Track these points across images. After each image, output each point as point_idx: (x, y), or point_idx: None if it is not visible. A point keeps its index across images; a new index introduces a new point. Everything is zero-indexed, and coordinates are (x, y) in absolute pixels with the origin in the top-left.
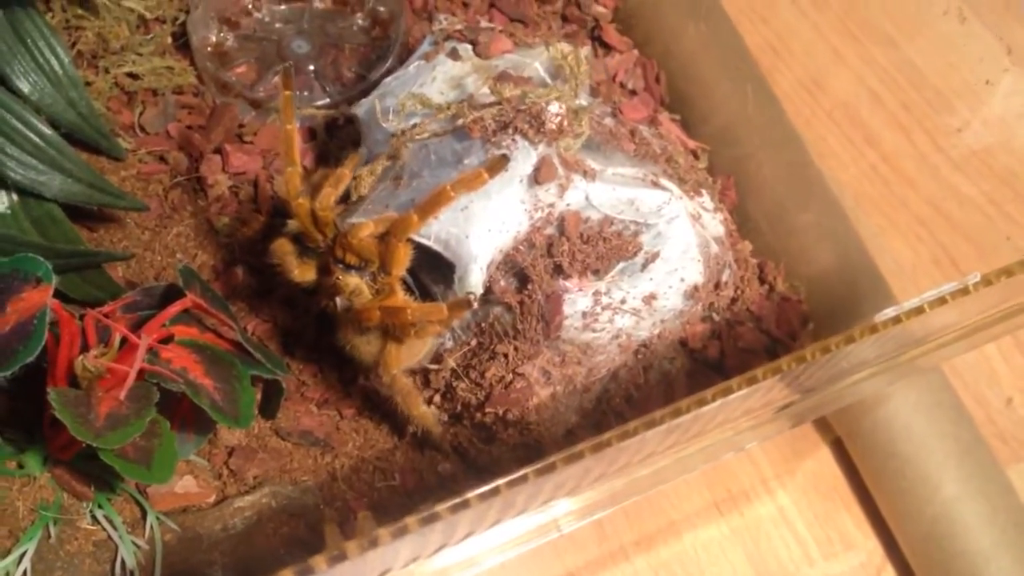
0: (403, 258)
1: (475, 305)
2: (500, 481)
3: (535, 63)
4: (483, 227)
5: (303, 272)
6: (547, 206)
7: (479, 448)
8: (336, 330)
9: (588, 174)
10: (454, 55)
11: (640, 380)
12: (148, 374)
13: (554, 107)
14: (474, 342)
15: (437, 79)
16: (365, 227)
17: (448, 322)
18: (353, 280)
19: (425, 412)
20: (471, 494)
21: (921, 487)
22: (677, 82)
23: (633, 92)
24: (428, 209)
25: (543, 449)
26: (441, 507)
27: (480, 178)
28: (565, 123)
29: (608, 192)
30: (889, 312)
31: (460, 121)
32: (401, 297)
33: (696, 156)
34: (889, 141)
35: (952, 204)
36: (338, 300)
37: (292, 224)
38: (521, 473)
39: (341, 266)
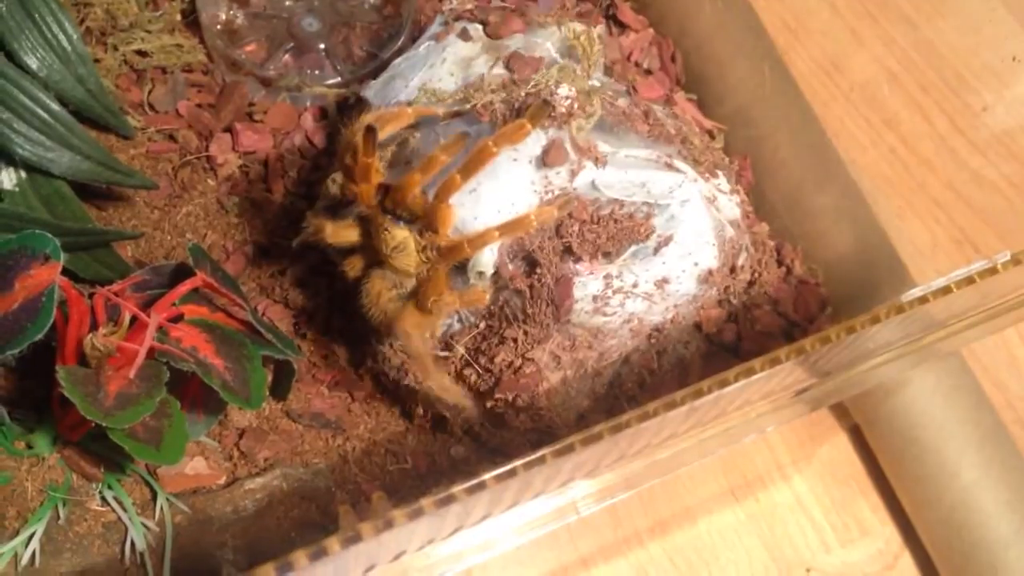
0: (449, 217)
1: (487, 293)
2: (517, 462)
3: (547, 43)
4: (492, 208)
5: (336, 233)
6: (558, 189)
7: (490, 432)
8: (363, 292)
9: (599, 161)
10: (464, 35)
11: (654, 365)
12: (158, 353)
13: (563, 90)
14: (482, 325)
15: (447, 60)
16: (414, 178)
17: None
18: (401, 233)
19: (444, 383)
20: (487, 475)
21: (940, 473)
22: (693, 61)
23: (648, 71)
24: (471, 168)
25: (555, 434)
26: (457, 488)
27: (523, 129)
28: (575, 106)
29: (620, 175)
30: (915, 292)
31: (468, 105)
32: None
33: (712, 136)
34: (908, 123)
35: (972, 187)
36: (386, 238)
37: (333, 188)
38: (539, 454)
39: (391, 217)
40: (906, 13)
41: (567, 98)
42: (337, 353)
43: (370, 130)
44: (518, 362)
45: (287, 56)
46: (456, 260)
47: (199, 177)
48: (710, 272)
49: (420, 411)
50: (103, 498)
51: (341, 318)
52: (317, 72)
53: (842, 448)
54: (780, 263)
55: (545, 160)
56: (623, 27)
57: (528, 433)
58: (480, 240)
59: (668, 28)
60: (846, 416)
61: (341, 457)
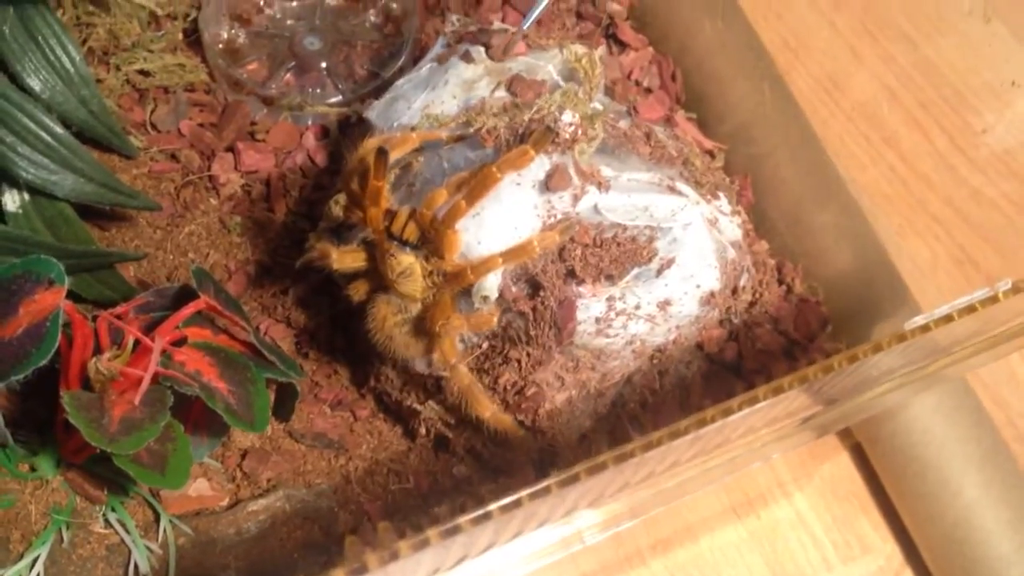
0: (455, 243)
1: (495, 316)
2: (523, 492)
3: (548, 66)
4: (496, 232)
5: (342, 259)
6: (561, 213)
7: (492, 451)
8: (369, 317)
9: (603, 185)
10: (467, 58)
11: (655, 385)
12: (162, 377)
13: (567, 116)
14: (485, 345)
15: (449, 82)
16: (439, 195)
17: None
18: (407, 258)
19: (499, 415)
20: (493, 506)
21: (941, 491)
22: (693, 80)
23: (648, 90)
24: (476, 194)
25: (557, 453)
26: (463, 519)
27: (527, 155)
28: (579, 132)
29: (623, 199)
30: (918, 320)
31: (471, 128)
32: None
33: (712, 155)
34: (907, 141)
35: (972, 205)
36: (392, 263)
37: (336, 210)
38: (544, 484)
39: (397, 243)
40: (906, 32)
41: (571, 124)
42: (339, 372)
43: (382, 152)
44: (521, 384)
45: (288, 75)
46: (461, 286)
47: (201, 197)
48: (712, 294)
49: (423, 431)
50: (106, 520)
51: (343, 338)
52: (318, 91)
53: (843, 465)
54: (781, 282)
55: (548, 185)
56: (623, 46)
57: (530, 452)
58: (484, 267)
59: (668, 47)
60: (848, 434)
61: (343, 477)
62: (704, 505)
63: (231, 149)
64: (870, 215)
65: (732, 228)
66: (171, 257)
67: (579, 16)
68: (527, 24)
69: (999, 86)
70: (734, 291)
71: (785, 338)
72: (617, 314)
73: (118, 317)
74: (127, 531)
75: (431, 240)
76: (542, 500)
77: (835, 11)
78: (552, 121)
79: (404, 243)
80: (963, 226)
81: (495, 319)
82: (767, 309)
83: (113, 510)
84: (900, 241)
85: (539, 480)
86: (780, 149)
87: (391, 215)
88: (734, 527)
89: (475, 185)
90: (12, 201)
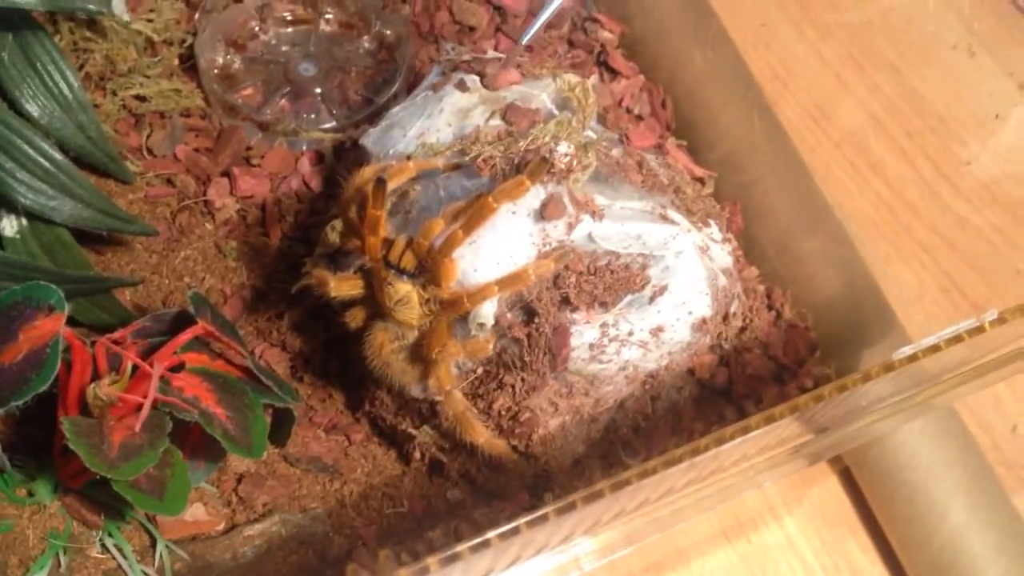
0: (452, 272)
1: (490, 343)
2: (521, 520)
3: (542, 95)
4: (492, 260)
5: (339, 286)
6: (555, 241)
7: (487, 476)
8: (366, 344)
9: (596, 214)
10: (461, 86)
11: (648, 410)
12: (161, 403)
13: (563, 147)
14: (480, 370)
15: (444, 111)
16: (436, 224)
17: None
18: (404, 287)
19: (492, 440)
20: (492, 533)
21: (928, 515)
22: (683, 108)
23: (639, 117)
24: (472, 223)
25: (551, 478)
26: (462, 547)
27: (523, 185)
28: (574, 162)
29: (616, 228)
30: (905, 350)
31: (467, 157)
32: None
33: (702, 183)
34: (893, 168)
35: (957, 232)
36: (389, 292)
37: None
38: (541, 512)
39: (394, 272)
40: (892, 61)
41: (566, 155)
42: (334, 396)
43: (380, 182)
44: (515, 409)
45: (283, 100)
46: (457, 314)
47: (197, 221)
48: (704, 320)
49: (417, 455)
50: (103, 545)
51: (338, 362)
52: (313, 116)
53: (832, 490)
54: (770, 307)
55: (543, 214)
56: (614, 73)
57: (524, 477)
58: (480, 295)
59: (659, 75)
60: (837, 458)
61: (338, 501)
62: (695, 529)
63: (227, 174)
64: (857, 242)
65: (723, 255)
66: (167, 281)
67: (571, 44)
68: (526, 38)
69: (984, 117)
70: (725, 317)
71: (774, 363)
72: (610, 340)
73: (116, 342)
74: (124, 556)
75: (428, 268)
76: (540, 528)
77: (822, 41)
78: (547, 152)
79: (401, 271)
80: (949, 253)
81: (491, 346)
82: (757, 335)
83: (110, 535)
84: (887, 267)
85: (533, 505)
86: (769, 177)
87: (388, 244)
88: (724, 551)
89: (472, 215)
90: (10, 226)
